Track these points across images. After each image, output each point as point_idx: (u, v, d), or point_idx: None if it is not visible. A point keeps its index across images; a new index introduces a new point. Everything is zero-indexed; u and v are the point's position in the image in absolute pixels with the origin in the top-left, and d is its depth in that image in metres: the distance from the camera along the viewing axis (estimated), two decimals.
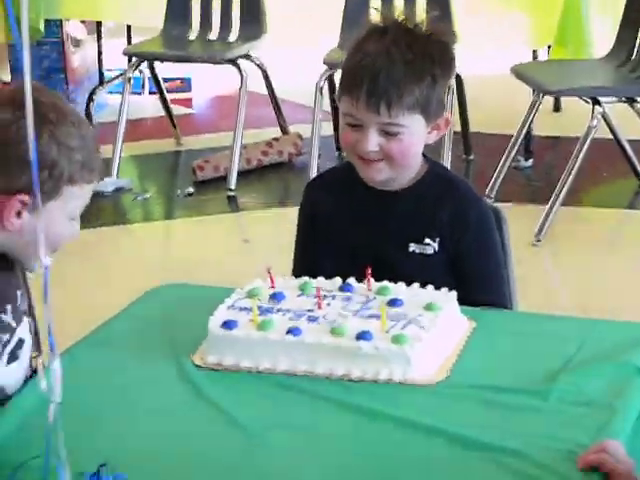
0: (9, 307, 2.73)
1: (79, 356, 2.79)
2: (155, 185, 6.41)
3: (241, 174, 6.06)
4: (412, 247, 3.07)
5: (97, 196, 6.14)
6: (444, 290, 2.90)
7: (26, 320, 2.82)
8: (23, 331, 2.79)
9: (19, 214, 2.59)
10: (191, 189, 6.17)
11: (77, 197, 2.69)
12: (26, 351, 2.79)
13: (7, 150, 2.55)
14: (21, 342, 2.77)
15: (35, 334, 2.88)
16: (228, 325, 2.81)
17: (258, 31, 6.17)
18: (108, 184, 6.19)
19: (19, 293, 2.80)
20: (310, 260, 3.22)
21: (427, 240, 3.04)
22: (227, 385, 2.73)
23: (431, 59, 3.11)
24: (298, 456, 2.47)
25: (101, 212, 6.03)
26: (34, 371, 2.81)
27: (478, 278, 3.16)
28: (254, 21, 6.18)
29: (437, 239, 3.05)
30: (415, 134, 3.08)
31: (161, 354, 2.85)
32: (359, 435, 2.54)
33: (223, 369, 2.77)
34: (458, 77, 5.85)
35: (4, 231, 2.62)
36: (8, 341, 2.71)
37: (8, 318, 2.73)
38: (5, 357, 2.71)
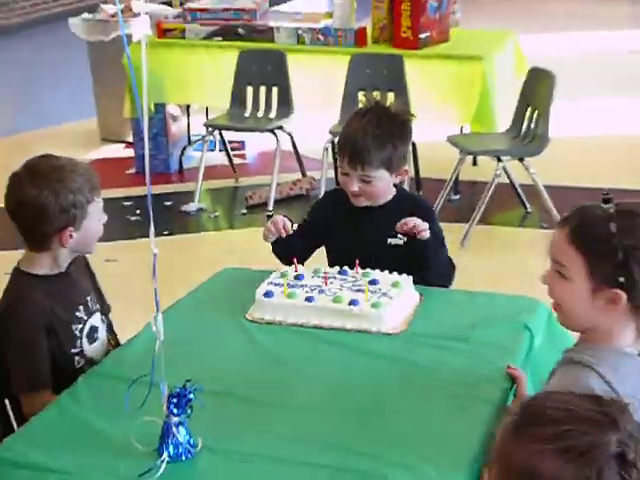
0: (81, 307, 2.73)
1: (173, 313, 2.79)
2: (222, 207, 6.37)
3: (276, 201, 6.02)
4: (389, 241, 3.03)
5: (185, 214, 6.17)
6: (404, 275, 2.88)
7: (98, 315, 2.81)
8: (95, 321, 2.77)
9: (71, 236, 2.62)
10: (244, 210, 6.13)
11: (97, 206, 2.68)
12: (101, 335, 2.78)
13: (48, 209, 2.57)
14: (94, 328, 2.76)
15: (109, 325, 2.89)
16: (268, 295, 2.81)
17: (288, 112, 6.16)
18: (192, 206, 6.18)
19: (89, 298, 2.79)
20: (298, 234, 3.17)
21: (399, 236, 3.01)
22: (266, 331, 2.73)
23: (392, 134, 3.09)
24: (306, 372, 2.55)
25: (188, 224, 6.03)
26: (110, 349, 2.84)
27: (443, 265, 3.14)
28: (285, 105, 6.16)
29: (405, 236, 3.03)
30: (382, 181, 3.05)
31: (225, 312, 2.86)
32: (349, 362, 2.57)
33: (264, 322, 2.77)
34: (413, 143, 5.85)
35: (68, 247, 2.65)
36: (82, 328, 2.70)
37: (81, 314, 2.72)
38: (85, 339, 2.70)
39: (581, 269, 2.04)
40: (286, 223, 3.08)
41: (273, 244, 3.15)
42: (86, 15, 7.49)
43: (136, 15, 7.22)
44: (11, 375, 2.63)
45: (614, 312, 2.04)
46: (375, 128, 3.10)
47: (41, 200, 2.58)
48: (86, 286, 2.84)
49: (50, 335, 2.63)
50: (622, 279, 2.00)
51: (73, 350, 2.67)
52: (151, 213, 2.30)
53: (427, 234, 2.97)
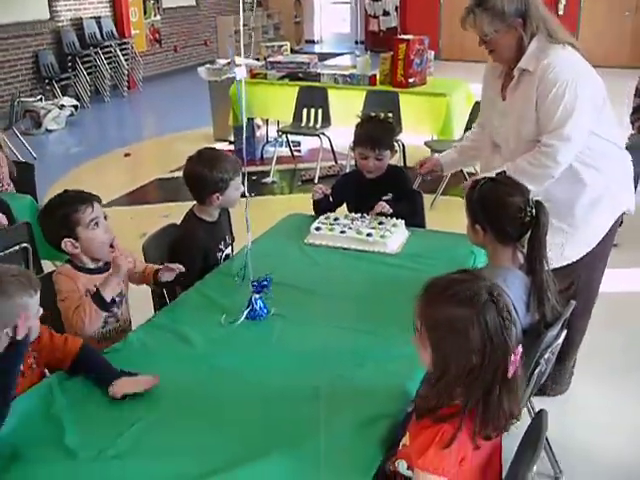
0: (222, 242, 2.70)
1: (260, 240, 2.78)
2: (286, 181, 6.28)
3: (319, 178, 5.95)
4: (384, 197, 2.96)
5: (264, 184, 6.11)
6: (400, 220, 2.82)
7: (230, 247, 2.76)
8: (228, 251, 2.74)
9: (218, 198, 2.57)
10: (300, 183, 6.05)
11: (236, 182, 2.61)
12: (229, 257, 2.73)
13: (206, 180, 2.54)
14: (227, 255, 2.72)
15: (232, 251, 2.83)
16: (318, 229, 2.77)
17: (327, 124, 6.08)
18: (268, 180, 6.12)
19: (227, 237, 2.75)
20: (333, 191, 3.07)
21: (389, 194, 2.91)
22: (316, 251, 2.68)
23: (388, 130, 3.05)
24: (339, 275, 2.49)
25: (265, 189, 5.94)
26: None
27: (413, 204, 3.07)
28: (326, 120, 6.09)
29: (391, 194, 2.94)
30: (387, 157, 2.95)
31: (291, 239, 2.81)
32: (364, 269, 2.51)
33: (315, 245, 2.72)
34: (402, 144, 5.78)
35: (215, 205, 2.63)
36: (221, 255, 2.68)
37: (222, 246, 2.69)
38: (222, 261, 2.66)
39: (468, 216, 2.16)
40: (324, 188, 3.03)
41: (314, 203, 3.07)
42: (208, 65, 7.45)
43: (238, 65, 7.19)
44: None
45: (486, 237, 2.09)
46: (380, 127, 3.06)
47: (202, 174, 2.57)
48: (226, 228, 2.80)
49: (204, 258, 2.61)
50: (477, 220, 2.11)
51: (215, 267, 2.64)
52: (246, 183, 2.31)
53: (389, 210, 2.90)
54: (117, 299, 2.25)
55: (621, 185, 2.63)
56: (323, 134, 6.08)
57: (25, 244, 2.97)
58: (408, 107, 5.75)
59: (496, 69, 2.64)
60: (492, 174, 2.18)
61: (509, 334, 1.42)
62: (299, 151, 7.01)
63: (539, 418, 1.64)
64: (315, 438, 1.57)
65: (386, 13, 14.59)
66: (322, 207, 3.05)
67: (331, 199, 3.04)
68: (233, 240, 2.87)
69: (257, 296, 2.11)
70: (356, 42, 15.44)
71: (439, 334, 1.45)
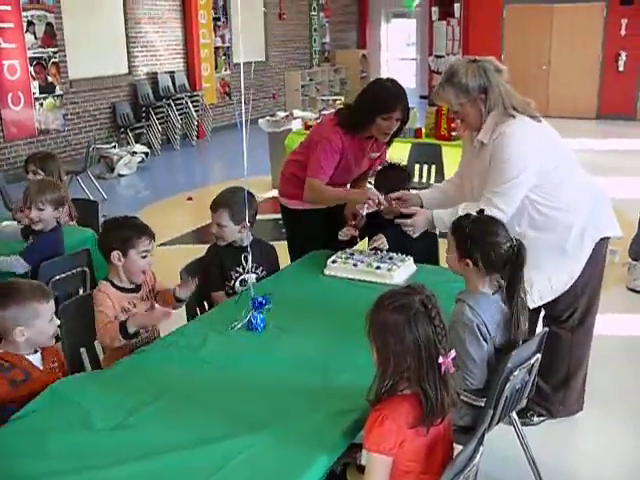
0: (239, 266, 2.99)
1: (285, 270, 3.13)
2: None
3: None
4: (376, 237, 3.23)
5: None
6: (409, 257, 3.08)
7: (253, 276, 2.97)
8: (245, 277, 2.98)
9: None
10: None
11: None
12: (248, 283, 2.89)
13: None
14: (243, 280, 2.97)
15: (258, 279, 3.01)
16: (334, 262, 3.05)
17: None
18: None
19: (247, 264, 2.92)
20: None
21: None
22: (331, 281, 2.97)
23: (400, 180, 3.36)
24: (348, 302, 2.71)
25: None
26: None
27: (428, 246, 3.32)
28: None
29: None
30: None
31: (312, 270, 3.10)
32: (369, 295, 2.61)
33: (332, 276, 3.02)
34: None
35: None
36: (237, 277, 2.98)
37: (240, 269, 2.99)
38: (238, 284, 2.97)
39: (454, 248, 2.36)
40: (353, 231, 3.30)
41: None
42: (268, 117, 7.95)
43: (295, 118, 7.69)
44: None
45: (469, 269, 2.32)
46: (391, 177, 3.37)
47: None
48: (254, 257, 2.87)
49: (220, 275, 2.98)
50: (469, 255, 2.31)
51: (228, 285, 3.00)
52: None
53: (385, 246, 3.17)
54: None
55: (589, 218, 2.91)
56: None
57: (84, 268, 3.43)
58: (450, 159, 6.05)
59: (472, 137, 2.96)
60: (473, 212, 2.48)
61: (440, 339, 1.73)
62: None
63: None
64: (291, 422, 1.89)
65: None
66: (343, 246, 3.34)
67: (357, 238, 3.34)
68: (263, 271, 3.12)
69: (255, 312, 2.45)
70: (421, 97, 15.93)
71: (379, 337, 1.77)
